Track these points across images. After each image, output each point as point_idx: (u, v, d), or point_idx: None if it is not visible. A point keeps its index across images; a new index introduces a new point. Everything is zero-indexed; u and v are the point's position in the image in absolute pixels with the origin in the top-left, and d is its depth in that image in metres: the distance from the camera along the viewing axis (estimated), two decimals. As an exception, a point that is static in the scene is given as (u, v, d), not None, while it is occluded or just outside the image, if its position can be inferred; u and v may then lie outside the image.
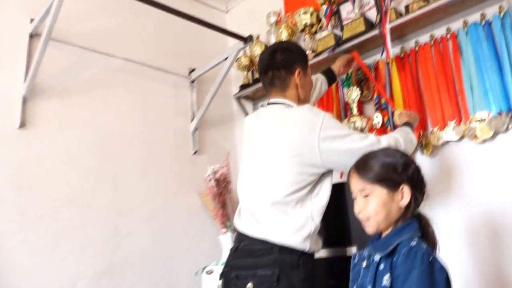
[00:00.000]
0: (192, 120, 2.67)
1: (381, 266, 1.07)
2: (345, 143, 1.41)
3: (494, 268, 1.71)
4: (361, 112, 2.14)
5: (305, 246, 1.38)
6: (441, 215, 1.85)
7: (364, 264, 1.14)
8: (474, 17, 1.88)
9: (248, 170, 1.57)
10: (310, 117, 1.44)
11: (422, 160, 1.95)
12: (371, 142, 1.41)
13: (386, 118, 2.04)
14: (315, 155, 1.40)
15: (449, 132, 1.86)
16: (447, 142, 1.89)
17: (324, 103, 2.37)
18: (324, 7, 2.34)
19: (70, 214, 2.05)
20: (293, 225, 1.38)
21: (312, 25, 2.41)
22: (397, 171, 1.15)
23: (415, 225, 1.13)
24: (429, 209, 1.88)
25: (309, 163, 1.41)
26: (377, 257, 1.09)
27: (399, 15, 2.02)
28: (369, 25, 2.11)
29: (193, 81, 2.75)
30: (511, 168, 1.72)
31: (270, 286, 1.33)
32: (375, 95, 2.14)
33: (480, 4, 1.86)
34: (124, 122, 2.36)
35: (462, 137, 1.84)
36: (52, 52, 2.10)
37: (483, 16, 1.84)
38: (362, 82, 2.22)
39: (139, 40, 2.56)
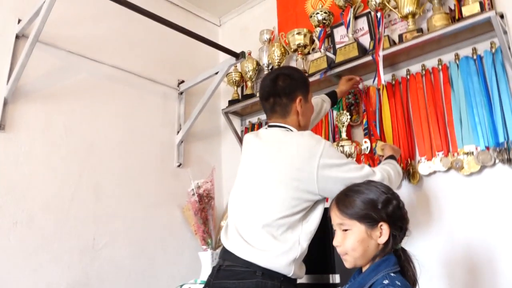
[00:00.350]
0: (178, 132, 2.62)
1: None
2: (342, 172, 1.41)
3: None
4: (349, 136, 2.14)
5: (289, 271, 1.36)
6: (421, 244, 1.86)
7: None
8: (466, 50, 1.91)
9: (243, 189, 1.54)
10: (312, 143, 1.43)
11: (409, 189, 1.96)
12: (367, 173, 1.42)
13: (374, 144, 2.04)
14: (313, 181, 1.39)
15: (437, 163, 1.87)
16: (434, 172, 1.90)
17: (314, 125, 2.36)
18: (318, 29, 2.34)
19: (46, 222, 1.97)
20: (280, 249, 1.36)
21: (305, 46, 2.42)
22: (377, 208, 1.13)
23: (392, 260, 1.12)
24: (411, 238, 1.89)
25: (306, 189, 1.40)
26: None
27: (392, 43, 2.04)
28: (362, 51, 2.12)
29: (181, 93, 2.71)
30: (495, 202, 1.73)
31: None
32: (364, 120, 2.14)
33: (472, 39, 1.89)
34: (108, 131, 2.30)
35: (449, 169, 1.85)
36: (38, 54, 2.04)
37: (474, 50, 1.87)
38: (352, 106, 2.23)
39: (129, 48, 2.52)
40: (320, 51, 2.35)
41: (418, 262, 1.17)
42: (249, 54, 2.66)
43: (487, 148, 1.75)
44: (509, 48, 1.74)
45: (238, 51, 2.31)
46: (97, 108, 2.28)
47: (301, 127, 1.60)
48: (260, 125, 2.67)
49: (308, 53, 2.47)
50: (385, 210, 1.13)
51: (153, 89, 2.58)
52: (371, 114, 2.12)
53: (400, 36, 2.01)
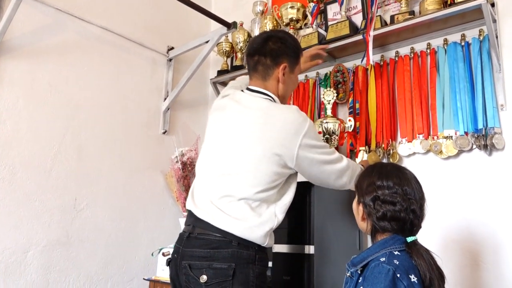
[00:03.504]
0: (165, 99, 2.62)
1: (360, 279, 1.11)
2: (318, 154, 1.43)
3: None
4: (334, 113, 2.17)
5: (264, 241, 1.37)
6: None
7: (348, 274, 1.17)
8: (455, 36, 1.93)
9: (219, 156, 1.47)
10: (299, 121, 1.41)
11: (387, 169, 2.01)
12: (336, 157, 1.49)
13: (358, 123, 2.08)
14: (292, 158, 1.39)
15: (417, 145, 1.91)
16: (414, 153, 1.95)
17: (300, 100, 2.39)
18: (312, 4, 2.33)
19: (28, 179, 1.97)
20: (257, 220, 1.36)
21: (297, 21, 2.41)
22: (362, 189, 1.21)
23: (401, 240, 1.13)
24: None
25: (285, 164, 1.40)
26: (353, 269, 1.15)
27: (384, 23, 2.05)
28: (354, 29, 2.13)
29: (170, 60, 2.69)
30: (470, 186, 1.80)
31: (225, 280, 1.31)
32: (350, 99, 2.17)
33: (462, 25, 1.91)
34: (94, 92, 2.28)
35: (428, 151, 1.90)
36: (25, 10, 2.00)
37: (463, 36, 1.90)
38: (339, 84, 2.25)
39: (119, 10, 2.47)
40: (312, 27, 2.35)
41: (439, 259, 1.14)
42: (241, 25, 2.64)
43: (466, 133, 1.80)
44: (496, 37, 1.78)
45: (230, 21, 2.29)
46: (84, 68, 2.26)
47: (279, 96, 1.54)
48: (247, 98, 2.67)
49: (300, 28, 2.46)
50: (366, 191, 1.21)
51: (141, 54, 2.56)
52: (357, 93, 2.15)
53: (392, 17, 2.02)
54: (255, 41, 1.58)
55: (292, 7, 2.38)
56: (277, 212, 1.41)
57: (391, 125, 2.01)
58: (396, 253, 1.09)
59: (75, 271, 2.08)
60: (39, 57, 2.08)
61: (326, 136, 1.96)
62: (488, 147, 1.74)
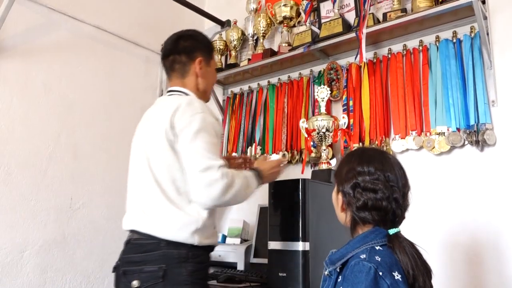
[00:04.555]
0: (159, 97, 2.62)
1: (340, 278, 1.02)
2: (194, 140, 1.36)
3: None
4: (328, 111, 2.18)
5: (193, 240, 1.34)
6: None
7: (327, 272, 1.08)
8: (447, 33, 1.95)
9: (137, 162, 1.50)
10: (196, 105, 1.41)
11: (381, 165, 2.03)
12: (210, 162, 1.33)
13: (352, 121, 2.10)
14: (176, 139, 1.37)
15: (410, 142, 1.94)
16: (407, 150, 1.97)
17: (294, 97, 2.40)
18: (305, 2, 2.35)
19: (24, 179, 1.97)
20: (180, 220, 1.35)
21: (291, 18, 2.42)
22: (341, 176, 1.11)
23: (382, 232, 1.03)
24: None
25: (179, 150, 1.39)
26: (331, 268, 1.05)
27: (376, 21, 2.06)
28: (347, 27, 2.14)
29: (164, 58, 2.68)
30: (462, 181, 1.82)
31: (156, 282, 1.30)
32: (344, 96, 2.19)
33: (454, 22, 1.93)
34: (88, 91, 2.28)
35: (421, 147, 1.92)
36: (18, 9, 1.99)
37: (455, 33, 1.92)
38: (333, 81, 2.26)
39: (112, 8, 2.47)
40: (306, 25, 2.36)
41: (425, 252, 1.04)
42: (235, 23, 2.65)
43: (458, 129, 1.82)
44: (487, 34, 1.80)
45: (224, 19, 2.30)
46: (78, 67, 2.26)
47: (200, 91, 1.56)
48: (242, 95, 2.69)
49: (294, 25, 2.47)
50: (345, 178, 1.10)
51: (135, 52, 2.56)
52: (351, 90, 2.17)
53: (385, 15, 2.04)
54: (167, 43, 1.61)
55: (285, 5, 2.39)
56: (200, 210, 1.37)
57: (384, 122, 2.03)
58: (377, 248, 0.99)
59: (71, 271, 2.09)
60: (32, 56, 2.08)
61: (320, 134, 1.98)
62: (480, 143, 1.77)
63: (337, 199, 1.13)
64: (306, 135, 2.07)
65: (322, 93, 2.05)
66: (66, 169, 2.13)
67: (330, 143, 2.01)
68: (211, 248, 1.45)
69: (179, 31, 1.65)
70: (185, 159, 1.36)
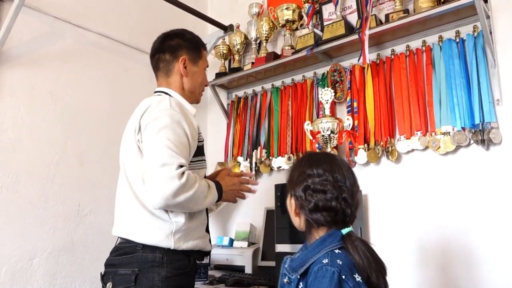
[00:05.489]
0: (151, 100, 2.63)
1: (300, 285, 1.02)
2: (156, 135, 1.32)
3: (439, 271, 1.82)
4: (333, 112, 2.19)
5: (169, 244, 1.32)
6: (396, 219, 1.95)
7: (286, 279, 1.08)
8: (450, 33, 1.96)
9: (120, 172, 1.51)
10: (165, 103, 1.37)
11: (388, 166, 2.04)
12: (173, 162, 1.26)
13: (356, 122, 2.10)
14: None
15: (415, 142, 1.94)
16: (412, 150, 1.97)
17: (298, 100, 2.41)
18: (307, 5, 2.36)
19: (32, 187, 1.99)
20: (155, 224, 1.34)
21: (293, 22, 2.43)
22: (293, 181, 1.12)
23: (339, 234, 1.04)
24: (386, 215, 1.98)
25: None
26: (294, 276, 1.04)
27: (379, 22, 2.07)
28: (349, 29, 2.15)
29: (168, 64, 2.70)
30: (469, 181, 1.82)
31: (127, 286, 1.29)
32: (348, 98, 2.19)
33: (457, 22, 1.93)
34: (93, 99, 2.30)
35: (426, 147, 1.92)
36: (24, 19, 2.01)
37: (458, 33, 1.92)
38: (337, 83, 2.27)
39: (115, 16, 2.49)
40: (308, 28, 2.37)
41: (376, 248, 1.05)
42: (238, 27, 2.66)
43: (463, 129, 1.82)
44: (490, 33, 1.80)
45: (226, 23, 2.31)
46: (83, 75, 2.28)
47: (185, 91, 1.54)
48: (246, 99, 2.70)
49: (296, 29, 2.48)
50: (297, 182, 1.11)
51: (139, 59, 2.57)
52: (355, 92, 2.17)
53: (387, 16, 2.04)
54: (154, 42, 1.60)
55: (287, 8, 2.40)
56: (174, 214, 1.34)
57: (389, 123, 2.04)
58: (337, 251, 1.01)
59: (81, 276, 2.10)
60: (38, 65, 2.10)
61: (325, 136, 1.98)
62: (486, 142, 1.77)
63: (290, 204, 1.13)
64: (311, 138, 2.08)
65: (326, 95, 2.05)
66: (73, 176, 2.15)
67: (335, 145, 2.01)
68: (196, 253, 1.41)
69: (168, 31, 1.63)
70: (145, 155, 1.33)
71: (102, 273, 1.40)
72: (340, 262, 0.97)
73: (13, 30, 1.93)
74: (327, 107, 2.05)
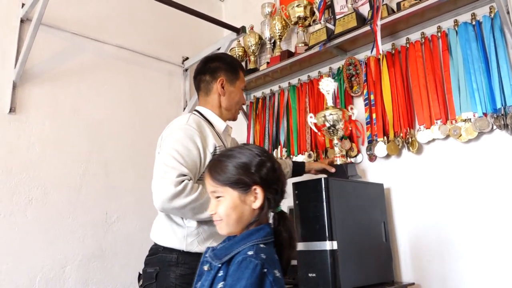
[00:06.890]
0: (184, 108, 2.68)
1: (220, 273, 1.03)
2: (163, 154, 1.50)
3: (466, 263, 1.75)
4: (349, 103, 2.12)
5: (183, 246, 1.48)
6: (420, 210, 1.90)
7: (206, 266, 1.08)
8: (465, 16, 1.89)
9: None
10: (183, 119, 1.56)
11: (409, 157, 1.99)
12: (174, 179, 1.41)
13: (374, 115, 2.06)
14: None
15: (435, 131, 1.88)
16: (433, 140, 1.91)
17: (315, 97, 2.39)
18: (318, 0, 2.33)
19: (60, 198, 2.08)
20: (172, 228, 1.51)
21: (305, 18, 2.41)
22: (250, 172, 1.06)
23: (266, 230, 1.06)
24: (411, 205, 1.93)
25: None
26: (217, 263, 1.05)
27: (391, 11, 2.02)
28: (361, 21, 2.11)
29: (186, 70, 2.75)
30: (493, 168, 1.75)
31: (151, 282, 1.49)
32: (365, 91, 2.15)
33: (472, 4, 1.86)
34: (115, 109, 2.37)
35: (447, 136, 1.86)
36: (43, 37, 2.11)
37: (474, 16, 1.85)
38: (352, 77, 2.23)
39: (132, 27, 2.55)
40: (320, 23, 2.35)
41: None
42: (251, 28, 2.67)
43: (485, 114, 1.75)
44: (508, 13, 1.71)
45: (240, 25, 2.32)
46: (103, 87, 2.35)
47: (222, 109, 1.70)
48: (264, 99, 2.70)
49: (309, 25, 2.47)
50: (259, 173, 1.06)
51: (158, 67, 2.63)
52: (371, 84, 2.13)
53: (398, 4, 2.00)
54: (198, 65, 1.77)
55: (298, 5, 2.39)
56: (187, 220, 1.50)
57: (407, 113, 1.99)
58: (261, 246, 1.02)
59: (111, 283, 2.17)
60: (60, 80, 2.19)
61: (331, 128, 1.91)
62: (509, 126, 1.69)
63: (244, 202, 1.10)
64: (316, 131, 2.04)
65: (327, 85, 1.95)
66: (99, 186, 2.22)
67: (341, 135, 1.95)
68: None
69: (210, 54, 1.82)
70: (155, 164, 1.52)
71: (140, 272, 1.59)
72: (264, 256, 0.99)
73: (34, 49, 2.02)
74: (329, 98, 1.96)
